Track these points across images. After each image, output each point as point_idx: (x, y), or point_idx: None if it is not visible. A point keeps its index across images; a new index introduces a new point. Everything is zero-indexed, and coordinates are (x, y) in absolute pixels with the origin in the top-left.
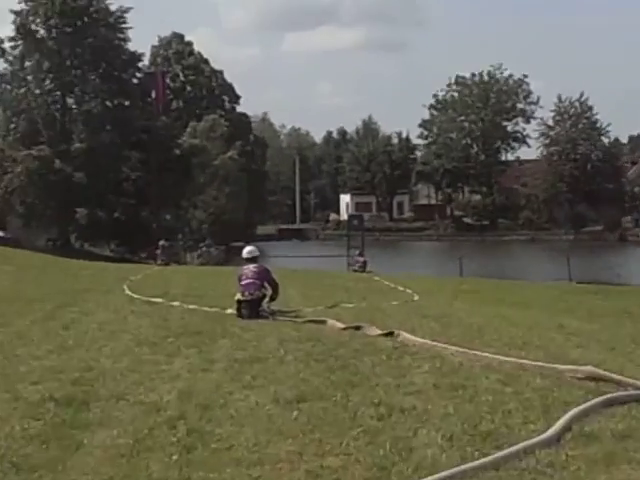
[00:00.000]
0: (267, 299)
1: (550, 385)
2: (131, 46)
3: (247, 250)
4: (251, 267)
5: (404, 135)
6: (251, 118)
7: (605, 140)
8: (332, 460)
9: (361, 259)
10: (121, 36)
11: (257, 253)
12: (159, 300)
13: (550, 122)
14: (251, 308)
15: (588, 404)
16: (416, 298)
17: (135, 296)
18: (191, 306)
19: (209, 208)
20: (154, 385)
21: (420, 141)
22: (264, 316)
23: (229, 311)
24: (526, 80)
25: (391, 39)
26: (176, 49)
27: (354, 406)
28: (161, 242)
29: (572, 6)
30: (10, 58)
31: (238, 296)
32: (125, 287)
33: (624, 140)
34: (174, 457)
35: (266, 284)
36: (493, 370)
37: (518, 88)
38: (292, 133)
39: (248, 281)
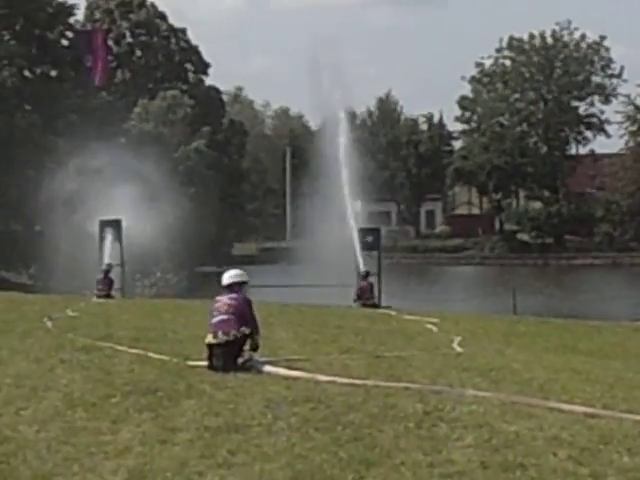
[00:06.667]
0: (247, 346)
1: None
2: None
3: (228, 274)
4: (225, 298)
5: (436, 119)
6: (224, 95)
7: None
8: None
9: (364, 283)
10: None
11: (244, 279)
12: (101, 344)
13: (639, 102)
14: (226, 355)
15: None
16: (455, 344)
17: (67, 338)
18: (143, 353)
19: (165, 219)
20: (94, 463)
21: (458, 127)
22: (248, 367)
23: (192, 363)
24: (604, 44)
25: None
26: None
27: None
28: (104, 266)
29: None
30: None
31: (209, 338)
32: (50, 326)
33: None
34: None
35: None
36: (563, 443)
37: (594, 55)
38: (280, 115)
39: (221, 317)
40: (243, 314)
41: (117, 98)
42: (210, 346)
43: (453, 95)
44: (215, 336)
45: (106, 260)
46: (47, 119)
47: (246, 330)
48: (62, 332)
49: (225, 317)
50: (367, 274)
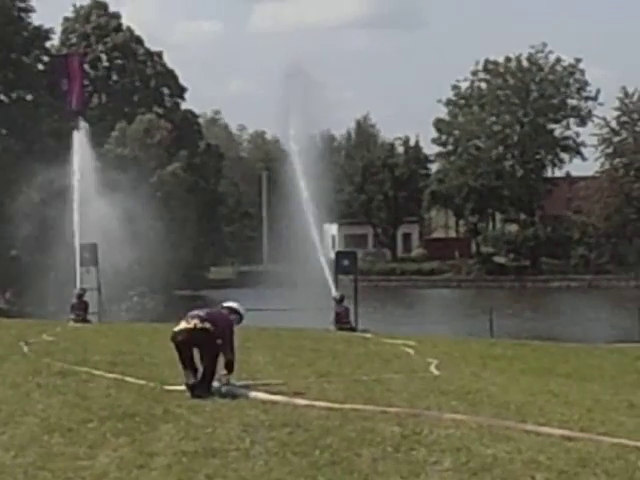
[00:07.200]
0: (222, 370)
1: None
2: (35, 19)
3: (230, 301)
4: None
5: (412, 142)
6: (200, 118)
7: None
8: None
9: (340, 308)
10: (22, 5)
11: (239, 310)
12: (77, 369)
13: (614, 124)
14: (191, 339)
15: None
16: (433, 367)
17: (44, 362)
18: (120, 377)
19: (142, 243)
20: None
21: (435, 149)
22: (224, 393)
23: (170, 387)
24: (580, 67)
25: (402, 13)
26: (97, 23)
27: None
28: (77, 289)
29: None
30: None
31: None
32: (26, 351)
33: None
34: None
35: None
36: (541, 466)
37: (569, 77)
38: (256, 139)
39: (192, 313)
40: (215, 320)
41: (93, 122)
42: (174, 337)
43: (429, 118)
44: (178, 324)
45: (78, 284)
46: (23, 143)
47: (210, 327)
48: (39, 357)
49: (196, 312)
50: (342, 298)
